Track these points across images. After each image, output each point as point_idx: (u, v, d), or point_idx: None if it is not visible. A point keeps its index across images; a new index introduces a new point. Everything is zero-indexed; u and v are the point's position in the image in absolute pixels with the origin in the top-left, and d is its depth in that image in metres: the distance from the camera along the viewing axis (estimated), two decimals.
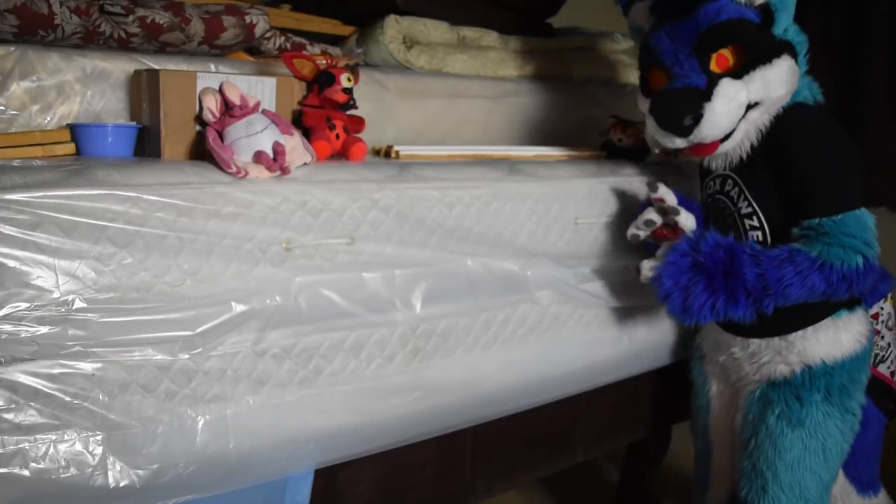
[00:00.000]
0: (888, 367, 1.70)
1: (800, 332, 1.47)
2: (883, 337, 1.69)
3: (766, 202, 1.45)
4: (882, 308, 1.69)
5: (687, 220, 1.46)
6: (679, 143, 1.42)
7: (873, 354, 1.63)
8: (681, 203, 1.50)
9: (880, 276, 1.50)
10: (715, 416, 1.68)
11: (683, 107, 1.37)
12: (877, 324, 1.67)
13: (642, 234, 1.51)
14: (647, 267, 1.42)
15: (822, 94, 1.49)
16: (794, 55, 1.40)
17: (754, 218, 1.46)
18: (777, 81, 1.37)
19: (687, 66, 1.39)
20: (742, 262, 1.35)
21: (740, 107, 1.38)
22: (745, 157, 1.46)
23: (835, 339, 1.47)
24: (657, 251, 1.46)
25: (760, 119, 1.43)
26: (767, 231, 1.45)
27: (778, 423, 1.47)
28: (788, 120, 1.42)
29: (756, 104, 1.39)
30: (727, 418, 1.65)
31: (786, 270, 1.33)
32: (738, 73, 1.37)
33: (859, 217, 1.36)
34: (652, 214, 1.49)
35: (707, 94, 1.36)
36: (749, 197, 1.46)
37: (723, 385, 1.66)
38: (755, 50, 1.37)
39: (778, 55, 1.37)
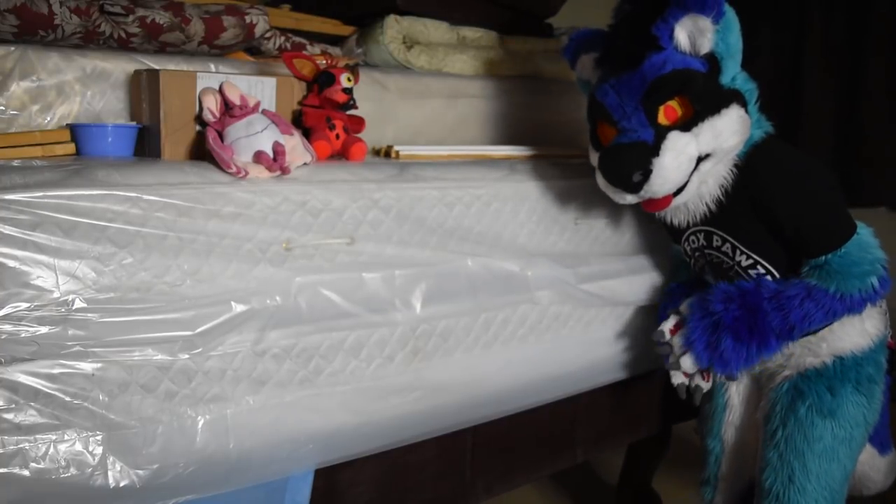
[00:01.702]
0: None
1: (828, 327, 1.49)
2: None
3: (765, 251, 1.44)
4: None
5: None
6: (630, 199, 1.39)
7: None
8: (675, 293, 1.58)
9: None
10: (734, 414, 1.68)
11: (632, 163, 1.33)
12: None
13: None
14: (678, 345, 1.47)
15: (771, 126, 1.46)
16: (744, 103, 1.37)
17: (759, 267, 1.45)
18: (727, 132, 1.34)
19: (634, 119, 1.34)
20: (765, 312, 1.39)
21: (690, 160, 1.34)
22: (714, 210, 1.44)
23: (861, 329, 1.49)
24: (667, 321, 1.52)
25: (716, 170, 1.40)
26: (777, 275, 1.46)
27: (809, 413, 1.48)
28: (754, 167, 1.40)
29: (707, 156, 1.36)
30: (747, 414, 1.66)
31: (807, 307, 1.38)
32: (686, 125, 1.33)
33: (860, 241, 1.39)
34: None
35: (655, 149, 1.32)
36: (746, 251, 1.45)
37: (743, 382, 1.66)
38: (703, 101, 1.33)
39: (727, 105, 1.34)
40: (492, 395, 1.47)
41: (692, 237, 1.53)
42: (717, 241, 1.48)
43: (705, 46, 1.33)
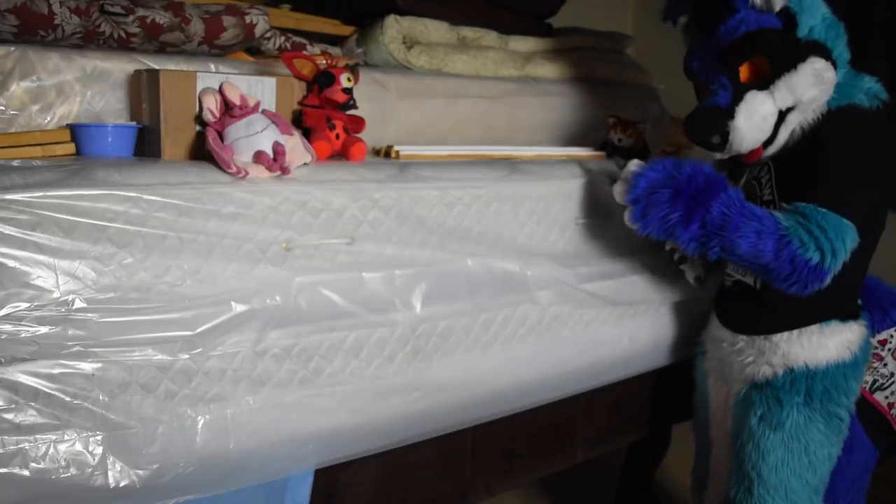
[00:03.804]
0: (886, 398, 1.66)
1: (784, 335, 1.48)
2: (886, 364, 1.65)
3: (788, 193, 1.43)
4: (892, 335, 1.65)
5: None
6: (719, 155, 1.48)
7: (871, 380, 1.63)
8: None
9: (890, 301, 1.54)
10: (713, 413, 1.69)
11: (709, 127, 1.41)
12: (882, 350, 1.65)
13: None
14: (634, 164, 1.43)
15: (885, 92, 1.46)
16: (825, 53, 1.39)
17: (771, 206, 1.45)
18: (803, 85, 1.37)
19: (718, 81, 1.42)
20: (714, 195, 1.35)
21: (766, 117, 1.39)
22: (788, 146, 1.46)
23: (819, 344, 1.46)
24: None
25: (802, 117, 1.43)
26: None
27: (759, 424, 1.48)
28: (835, 119, 1.42)
29: (790, 108, 1.40)
30: (723, 416, 1.65)
31: (749, 223, 1.33)
32: (764, 82, 1.39)
33: (843, 225, 1.33)
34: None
35: (730, 113, 1.39)
36: (773, 186, 1.46)
37: (719, 382, 1.66)
38: (780, 58, 1.38)
39: (803, 59, 1.37)
40: (492, 395, 1.47)
41: (755, 166, 1.54)
42: (764, 171, 1.50)
43: (778, 3, 1.37)
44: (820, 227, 1.32)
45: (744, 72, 1.41)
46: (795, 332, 1.47)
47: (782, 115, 1.40)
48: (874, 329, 1.59)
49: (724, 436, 1.64)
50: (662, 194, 1.36)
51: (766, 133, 1.41)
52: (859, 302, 1.55)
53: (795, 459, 1.46)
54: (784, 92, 1.38)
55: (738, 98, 1.39)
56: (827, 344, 1.46)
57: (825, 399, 1.46)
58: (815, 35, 1.40)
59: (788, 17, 1.38)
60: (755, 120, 1.39)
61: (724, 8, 1.40)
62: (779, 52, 1.38)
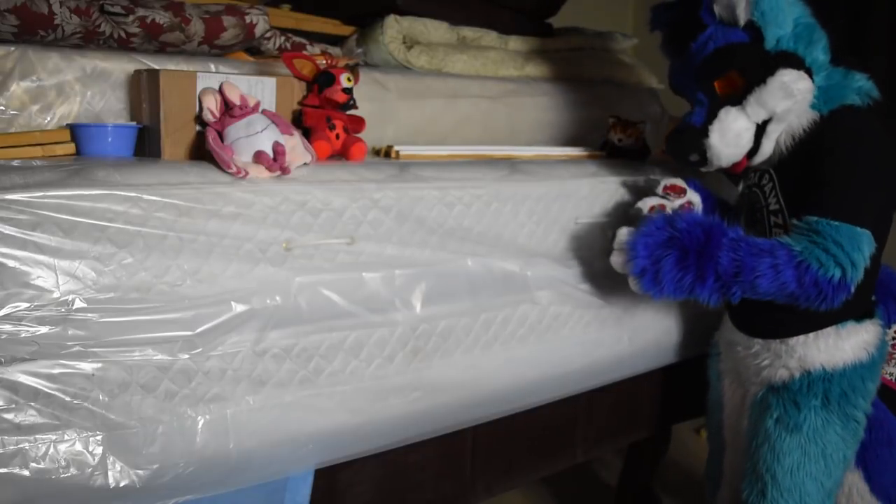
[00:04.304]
0: None
1: (801, 338, 1.47)
2: None
3: (793, 202, 1.43)
4: None
5: (693, 197, 1.55)
6: (704, 169, 1.49)
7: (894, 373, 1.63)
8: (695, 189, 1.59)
9: None
10: (727, 415, 1.69)
11: (686, 147, 1.45)
12: None
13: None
14: (625, 233, 1.42)
15: (876, 90, 1.45)
16: (795, 63, 1.38)
17: (779, 216, 1.45)
18: (773, 100, 1.36)
19: (697, 97, 1.45)
20: (719, 244, 1.34)
21: (741, 132, 1.40)
22: (785, 154, 1.45)
23: (836, 346, 1.46)
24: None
25: (792, 123, 1.42)
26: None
27: (776, 427, 1.47)
28: (832, 123, 1.41)
29: (767, 120, 1.40)
30: (737, 418, 1.65)
31: (762, 261, 1.32)
32: (737, 98, 1.39)
33: (857, 234, 1.32)
34: (654, 200, 1.53)
35: (704, 132, 1.41)
36: (779, 194, 1.46)
37: (735, 384, 1.66)
38: (749, 72, 1.38)
39: (772, 72, 1.36)
40: (492, 395, 1.47)
41: (753, 173, 1.55)
42: (766, 179, 1.51)
43: (742, 16, 1.37)
44: (835, 243, 1.32)
45: (721, 85, 1.41)
46: (812, 334, 1.46)
47: (761, 127, 1.41)
48: (889, 320, 1.59)
49: (738, 437, 1.65)
50: (668, 260, 1.35)
51: (744, 147, 1.42)
52: (872, 298, 1.54)
53: (812, 462, 1.45)
54: (756, 106, 1.38)
55: (712, 115, 1.41)
56: (843, 346, 1.46)
57: (843, 401, 1.45)
58: (784, 46, 1.39)
59: (755, 30, 1.38)
60: (729, 137, 1.40)
61: (693, 24, 1.41)
62: (749, 67, 1.38)
